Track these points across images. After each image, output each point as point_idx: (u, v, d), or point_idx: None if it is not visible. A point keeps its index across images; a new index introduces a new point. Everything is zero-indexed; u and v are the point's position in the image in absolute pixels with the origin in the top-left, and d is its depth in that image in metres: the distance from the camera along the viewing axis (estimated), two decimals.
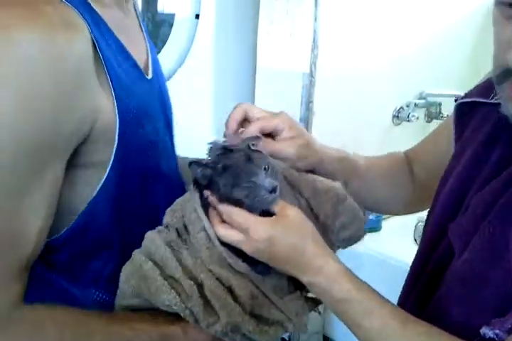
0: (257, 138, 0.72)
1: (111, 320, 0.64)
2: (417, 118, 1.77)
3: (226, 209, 0.67)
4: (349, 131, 1.58)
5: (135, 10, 0.75)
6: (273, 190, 0.65)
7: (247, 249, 0.66)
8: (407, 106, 1.80)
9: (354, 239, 0.77)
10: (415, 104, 1.79)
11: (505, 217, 0.64)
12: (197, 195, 0.69)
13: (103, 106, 0.59)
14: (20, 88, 0.51)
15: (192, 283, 0.65)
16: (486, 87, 0.76)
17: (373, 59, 1.60)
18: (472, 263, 0.67)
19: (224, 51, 1.60)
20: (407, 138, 1.83)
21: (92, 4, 0.60)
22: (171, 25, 1.77)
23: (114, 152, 0.62)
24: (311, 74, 1.41)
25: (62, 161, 0.58)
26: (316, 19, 1.37)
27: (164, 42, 1.80)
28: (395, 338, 0.62)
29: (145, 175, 0.71)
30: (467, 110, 0.80)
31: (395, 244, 1.58)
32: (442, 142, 0.88)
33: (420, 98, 1.84)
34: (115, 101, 0.60)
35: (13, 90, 0.51)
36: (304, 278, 0.67)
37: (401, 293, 0.84)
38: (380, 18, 1.58)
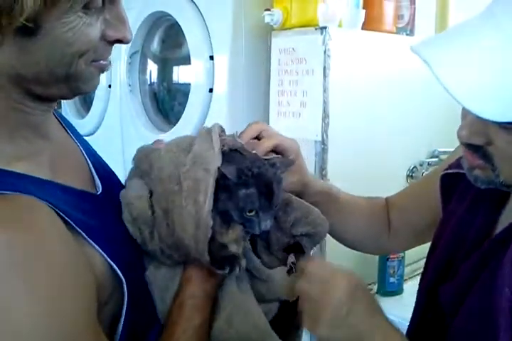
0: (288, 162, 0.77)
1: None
2: None
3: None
4: (364, 194, 1.59)
5: (57, 118, 0.73)
6: (263, 232, 0.69)
7: None
8: (421, 165, 1.82)
9: (317, 235, 0.81)
10: (428, 163, 1.81)
11: (488, 284, 0.67)
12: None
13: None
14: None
15: None
16: None
17: (383, 122, 1.64)
18: (464, 329, 0.71)
19: (237, 122, 1.65)
20: None
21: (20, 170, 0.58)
22: (185, 95, 1.85)
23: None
24: (323, 142, 1.45)
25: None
26: (325, 90, 1.42)
27: (179, 113, 1.87)
28: None
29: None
30: (452, 180, 0.86)
31: None
32: (423, 199, 0.98)
33: (433, 156, 1.86)
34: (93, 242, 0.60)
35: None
36: None
37: None
38: (388, 81, 1.63)
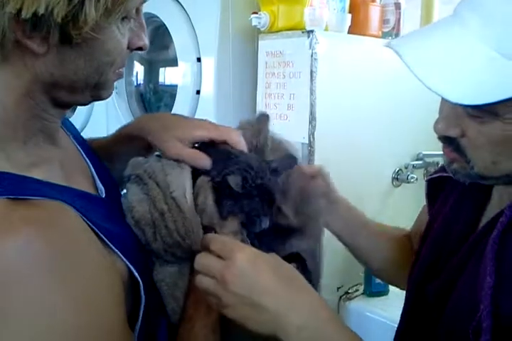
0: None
1: None
2: (416, 179, 1.81)
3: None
4: (350, 196, 1.60)
5: (63, 129, 0.74)
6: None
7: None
8: (406, 167, 1.84)
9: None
10: (413, 166, 1.83)
11: (473, 276, 0.69)
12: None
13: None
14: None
15: None
16: None
17: (370, 125, 1.66)
18: (449, 322, 0.72)
19: (224, 124, 1.65)
20: (407, 199, 1.87)
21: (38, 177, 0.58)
22: (172, 97, 1.85)
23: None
24: (310, 145, 1.47)
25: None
26: (312, 93, 1.43)
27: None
28: None
29: None
30: (437, 185, 0.90)
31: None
32: (423, 217, 0.97)
33: (418, 159, 1.88)
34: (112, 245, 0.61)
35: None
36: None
37: None
38: (374, 84, 1.64)
